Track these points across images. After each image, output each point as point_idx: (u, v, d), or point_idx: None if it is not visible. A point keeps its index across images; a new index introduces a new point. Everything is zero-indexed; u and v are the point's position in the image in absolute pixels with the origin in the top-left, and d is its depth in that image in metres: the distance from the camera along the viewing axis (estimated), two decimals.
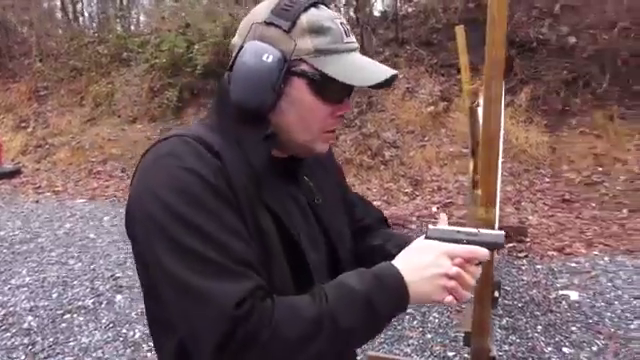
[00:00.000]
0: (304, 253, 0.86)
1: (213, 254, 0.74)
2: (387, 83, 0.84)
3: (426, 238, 0.84)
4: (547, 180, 5.87)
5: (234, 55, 0.85)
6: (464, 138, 6.25)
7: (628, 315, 3.17)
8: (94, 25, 11.00)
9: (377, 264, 0.82)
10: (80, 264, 4.41)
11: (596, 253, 4.26)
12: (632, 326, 3.04)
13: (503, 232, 0.84)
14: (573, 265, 4.02)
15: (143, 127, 8.04)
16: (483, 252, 0.81)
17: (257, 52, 0.81)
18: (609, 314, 3.20)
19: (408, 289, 0.79)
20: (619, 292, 3.49)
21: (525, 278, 3.68)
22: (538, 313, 3.25)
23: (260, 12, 0.85)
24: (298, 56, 0.82)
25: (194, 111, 7.84)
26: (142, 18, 11.16)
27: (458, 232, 0.82)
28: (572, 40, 6.55)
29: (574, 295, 3.47)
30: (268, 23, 0.83)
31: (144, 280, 0.86)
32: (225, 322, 0.71)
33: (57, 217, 5.88)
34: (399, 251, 0.86)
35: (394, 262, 0.82)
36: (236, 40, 0.88)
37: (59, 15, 11.32)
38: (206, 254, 0.73)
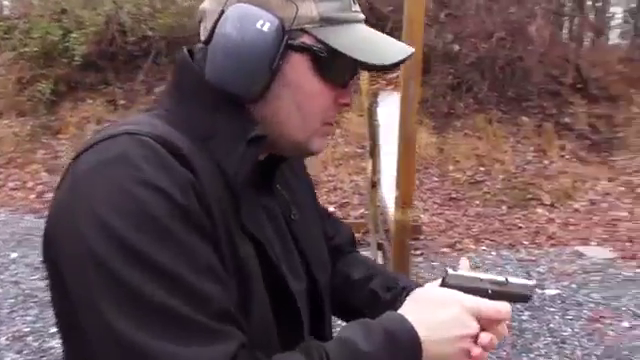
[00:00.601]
0: (287, 283, 0.69)
1: (181, 306, 0.53)
2: (400, 63, 0.68)
3: (443, 285, 0.69)
4: (435, 179, 6.17)
5: (210, 24, 0.64)
6: (358, 138, 6.36)
7: (519, 306, 3.37)
8: None
9: (363, 302, 0.71)
10: None
11: (484, 248, 4.53)
12: (524, 317, 3.23)
13: (534, 282, 0.73)
14: None
15: (10, 122, 7.18)
16: (508, 310, 0.66)
17: (247, 19, 0.61)
18: None
19: (422, 347, 0.63)
20: None
21: (425, 275, 3.78)
22: None
23: None
24: (299, 25, 0.63)
25: (71, 106, 7.17)
26: (6, 2, 10.01)
27: (481, 280, 0.69)
28: (456, 47, 6.96)
29: None
30: None
31: (64, 317, 0.62)
32: None
33: None
34: (391, 296, 0.73)
35: (405, 313, 0.65)
36: (209, 5, 0.66)
37: None
38: (172, 306, 0.53)
